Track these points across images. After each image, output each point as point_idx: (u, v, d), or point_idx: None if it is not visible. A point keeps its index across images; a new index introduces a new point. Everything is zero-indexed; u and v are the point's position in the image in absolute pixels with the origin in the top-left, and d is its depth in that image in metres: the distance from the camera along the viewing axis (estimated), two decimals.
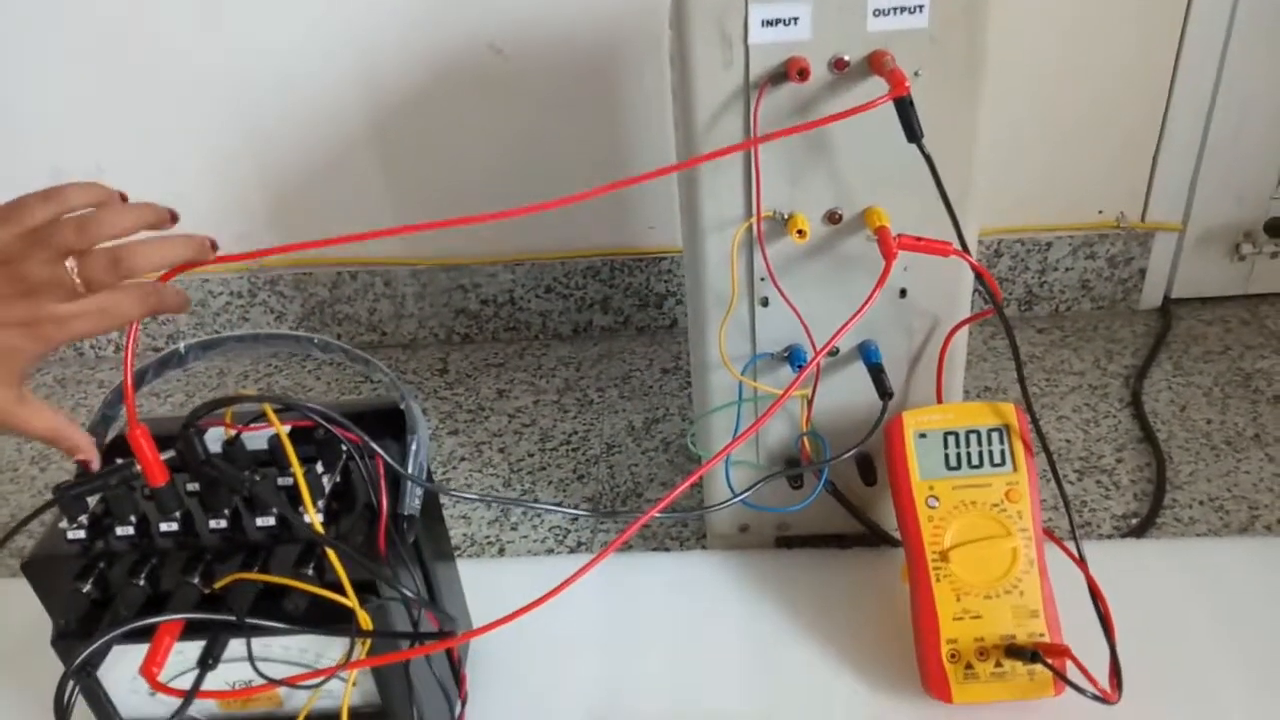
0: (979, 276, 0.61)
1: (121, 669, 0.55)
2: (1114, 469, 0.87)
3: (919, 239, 0.60)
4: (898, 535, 0.75)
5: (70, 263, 0.45)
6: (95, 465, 0.48)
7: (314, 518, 0.48)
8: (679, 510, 0.83)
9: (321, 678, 0.47)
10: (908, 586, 0.68)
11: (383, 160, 1.03)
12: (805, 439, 0.69)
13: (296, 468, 0.48)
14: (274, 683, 0.46)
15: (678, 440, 0.95)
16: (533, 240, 1.08)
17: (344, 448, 0.53)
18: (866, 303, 0.58)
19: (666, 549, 0.82)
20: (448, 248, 1.08)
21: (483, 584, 0.68)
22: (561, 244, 1.08)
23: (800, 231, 0.61)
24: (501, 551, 0.84)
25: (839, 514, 0.74)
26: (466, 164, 1.03)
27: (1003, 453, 0.65)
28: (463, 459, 0.95)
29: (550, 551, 0.83)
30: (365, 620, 0.50)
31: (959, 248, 0.60)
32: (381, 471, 0.53)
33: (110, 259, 0.46)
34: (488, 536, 0.86)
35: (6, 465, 1.00)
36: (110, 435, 0.58)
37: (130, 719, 0.57)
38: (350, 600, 0.48)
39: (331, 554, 0.47)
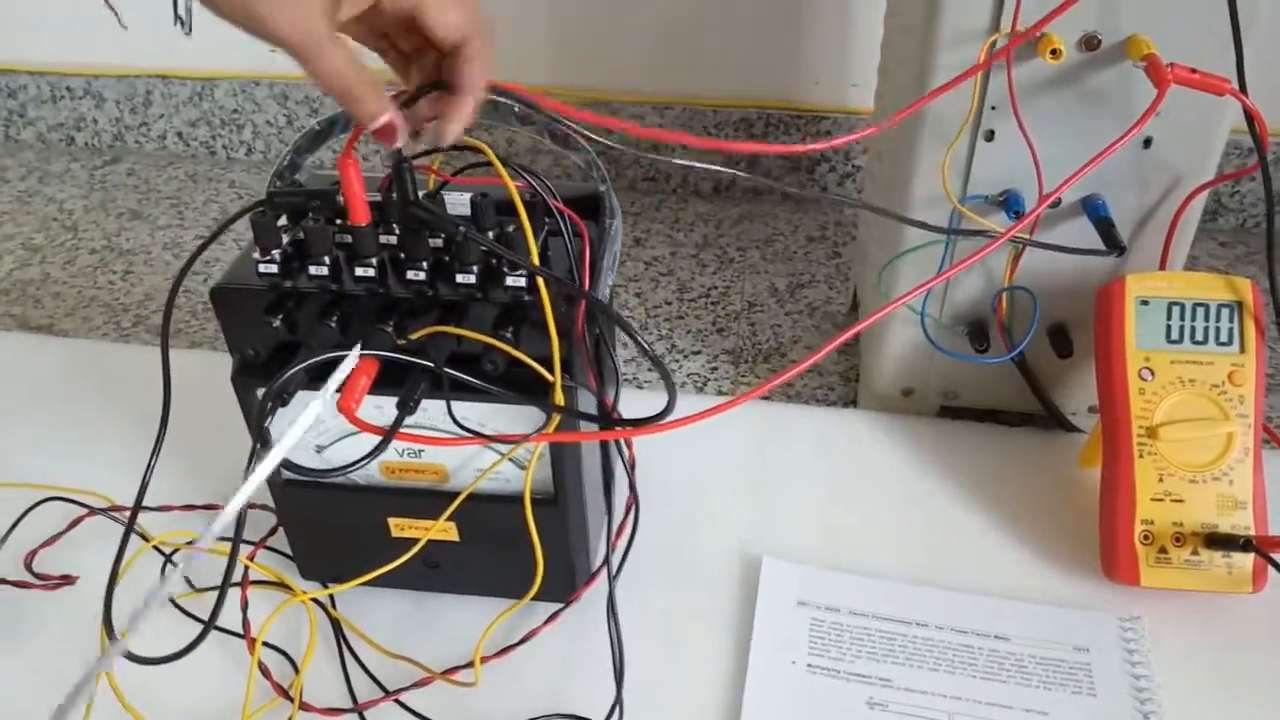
0: (1252, 123, 0.55)
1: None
2: None
3: (1194, 71, 0.53)
4: (1075, 421, 0.71)
5: None
6: (399, 138, 0.41)
7: (535, 257, 0.45)
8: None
9: (520, 440, 0.44)
10: (1088, 471, 0.63)
11: None
12: (1003, 295, 0.64)
13: (520, 208, 0.44)
14: (477, 436, 0.43)
15: (824, 306, 0.90)
16: (686, 83, 1.01)
17: (547, 221, 0.50)
18: (1129, 133, 0.53)
19: None
20: (596, 84, 1.03)
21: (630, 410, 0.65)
22: (717, 90, 1.01)
23: (1055, 51, 0.54)
24: (639, 389, 0.81)
25: (1015, 390, 0.69)
26: None
27: (1231, 331, 0.59)
28: None
29: None
30: (560, 396, 0.46)
31: (1236, 87, 0.54)
32: (587, 247, 0.49)
33: None
34: (624, 374, 0.82)
35: (140, 248, 0.99)
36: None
37: (289, 479, 0.55)
38: (555, 359, 0.44)
39: (542, 286, 0.43)
